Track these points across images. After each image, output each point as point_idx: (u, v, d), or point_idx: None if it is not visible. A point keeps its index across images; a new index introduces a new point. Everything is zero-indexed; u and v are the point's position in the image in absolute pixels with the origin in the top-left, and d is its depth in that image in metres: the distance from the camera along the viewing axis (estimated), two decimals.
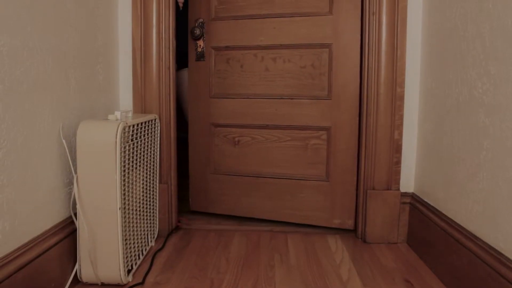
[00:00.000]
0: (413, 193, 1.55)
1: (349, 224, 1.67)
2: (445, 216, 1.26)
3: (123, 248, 1.15)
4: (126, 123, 1.15)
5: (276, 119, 1.73)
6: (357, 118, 1.62)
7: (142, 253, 1.38)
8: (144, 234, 1.39)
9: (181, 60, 1.74)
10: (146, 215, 1.41)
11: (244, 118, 1.78)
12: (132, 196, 1.24)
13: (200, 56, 1.82)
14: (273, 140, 1.76)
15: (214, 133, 1.84)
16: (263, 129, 1.76)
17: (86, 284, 1.18)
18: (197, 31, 1.77)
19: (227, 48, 1.78)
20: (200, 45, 1.81)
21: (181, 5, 1.78)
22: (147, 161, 1.39)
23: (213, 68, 1.81)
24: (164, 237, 1.59)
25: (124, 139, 1.14)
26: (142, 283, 1.22)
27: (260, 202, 1.79)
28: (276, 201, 1.77)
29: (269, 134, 1.76)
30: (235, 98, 1.78)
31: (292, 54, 1.70)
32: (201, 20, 1.79)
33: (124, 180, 1.15)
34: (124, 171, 1.15)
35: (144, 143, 1.35)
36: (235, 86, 1.79)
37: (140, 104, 1.57)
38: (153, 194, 1.48)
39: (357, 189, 1.63)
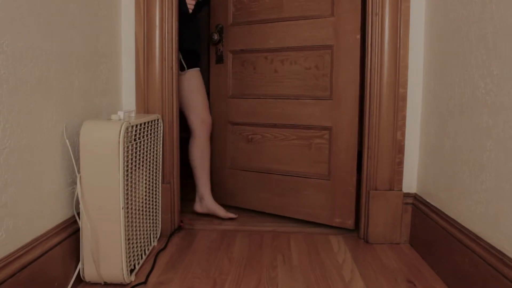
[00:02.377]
0: (415, 193, 1.54)
1: (349, 224, 1.67)
2: (448, 216, 1.26)
3: (126, 248, 1.15)
4: (129, 123, 1.15)
5: (283, 119, 1.78)
6: (357, 119, 1.63)
7: (145, 253, 1.38)
8: (146, 234, 1.39)
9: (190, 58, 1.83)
10: (149, 215, 1.41)
11: (256, 117, 1.85)
12: (135, 196, 1.25)
13: (220, 59, 1.93)
14: (281, 138, 1.81)
15: (231, 131, 1.94)
16: (272, 128, 1.82)
17: (89, 283, 1.18)
18: (215, 36, 1.89)
19: (242, 51, 1.86)
20: (219, 49, 1.92)
21: (191, 7, 1.76)
22: (150, 161, 1.39)
23: (231, 70, 1.91)
24: (166, 237, 1.59)
25: (127, 139, 1.14)
26: (145, 282, 1.22)
27: (269, 197, 1.85)
28: (283, 197, 1.81)
29: (278, 132, 1.81)
30: (248, 98, 1.86)
31: (298, 56, 1.72)
32: (220, 25, 1.89)
33: (127, 180, 1.16)
34: (127, 170, 1.16)
35: (147, 143, 1.35)
36: (248, 87, 1.87)
37: (143, 104, 1.58)
38: (155, 194, 1.49)
39: (359, 189, 1.62)
